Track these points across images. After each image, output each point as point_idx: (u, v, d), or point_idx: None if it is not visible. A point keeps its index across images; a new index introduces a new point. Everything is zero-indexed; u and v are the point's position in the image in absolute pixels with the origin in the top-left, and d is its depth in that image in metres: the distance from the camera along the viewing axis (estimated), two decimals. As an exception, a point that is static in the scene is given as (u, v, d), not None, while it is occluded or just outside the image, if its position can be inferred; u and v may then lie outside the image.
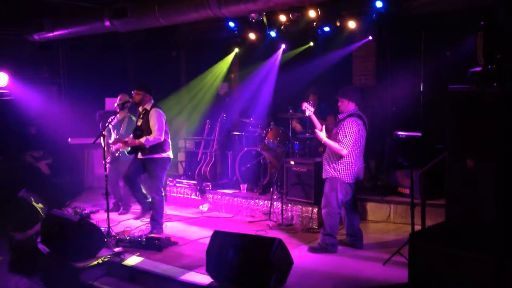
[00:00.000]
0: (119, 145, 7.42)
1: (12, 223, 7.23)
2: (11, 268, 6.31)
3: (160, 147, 6.51)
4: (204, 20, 7.55)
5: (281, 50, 9.35)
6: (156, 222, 6.64)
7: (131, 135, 6.60)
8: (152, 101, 6.66)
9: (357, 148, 5.58)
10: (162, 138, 6.47)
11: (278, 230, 6.73)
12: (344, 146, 5.47)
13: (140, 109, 6.66)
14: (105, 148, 6.63)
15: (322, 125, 5.68)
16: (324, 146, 5.75)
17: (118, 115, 7.46)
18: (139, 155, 6.58)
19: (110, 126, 7.46)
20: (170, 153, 6.69)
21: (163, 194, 6.74)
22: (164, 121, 6.52)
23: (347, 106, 5.65)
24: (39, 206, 7.36)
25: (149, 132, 6.44)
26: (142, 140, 6.38)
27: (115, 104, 7.50)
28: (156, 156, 6.53)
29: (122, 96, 7.59)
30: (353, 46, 8.41)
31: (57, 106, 10.27)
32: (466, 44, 6.31)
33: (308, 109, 5.77)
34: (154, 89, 6.84)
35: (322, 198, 5.77)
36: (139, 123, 6.58)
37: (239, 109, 10.38)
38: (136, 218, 7.39)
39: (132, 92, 6.64)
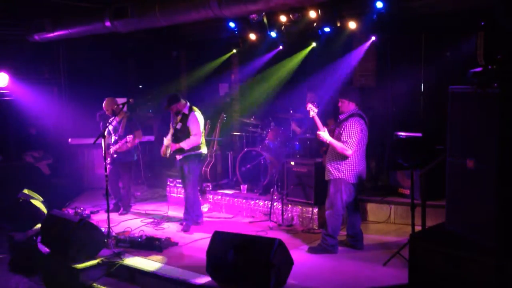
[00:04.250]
0: (117, 146, 7.44)
1: (12, 223, 7.24)
2: (12, 268, 6.32)
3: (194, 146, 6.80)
4: (205, 20, 7.53)
5: (280, 50, 9.35)
6: (188, 214, 6.87)
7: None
8: (188, 104, 6.86)
9: (360, 148, 5.58)
10: (200, 141, 6.80)
11: (278, 231, 6.72)
12: (349, 146, 5.46)
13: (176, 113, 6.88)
14: (105, 150, 6.65)
15: (324, 127, 5.67)
16: (326, 146, 5.74)
17: (117, 117, 7.49)
18: (178, 157, 6.86)
19: (110, 127, 7.49)
20: (203, 149, 6.95)
21: (198, 189, 7.08)
22: (201, 123, 6.80)
23: (348, 106, 5.65)
24: (39, 203, 7.36)
25: (188, 134, 6.71)
26: (182, 144, 6.70)
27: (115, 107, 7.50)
28: (191, 153, 6.78)
29: (107, 103, 7.55)
30: (359, 49, 8.35)
31: (57, 106, 10.28)
32: (467, 45, 6.31)
33: (312, 110, 5.75)
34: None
35: (326, 200, 5.75)
36: (178, 127, 6.80)
37: (239, 109, 10.40)
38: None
39: (169, 110, 6.85)
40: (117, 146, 7.46)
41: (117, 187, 7.90)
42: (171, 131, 6.90)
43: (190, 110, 6.80)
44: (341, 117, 5.69)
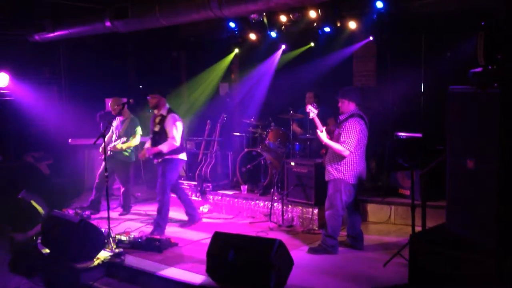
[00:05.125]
0: (113, 145, 7.43)
1: (13, 224, 7.23)
2: (12, 269, 6.31)
3: (172, 149, 6.62)
4: (205, 21, 7.54)
5: (280, 51, 9.36)
6: (157, 224, 6.61)
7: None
8: (167, 105, 6.72)
9: (360, 148, 5.57)
10: (178, 144, 6.58)
11: (278, 231, 6.72)
12: (346, 146, 5.45)
13: (156, 112, 6.71)
14: (105, 149, 6.65)
15: (323, 127, 5.67)
16: (326, 148, 5.74)
17: (120, 117, 7.49)
18: (155, 161, 6.70)
19: (112, 127, 7.51)
20: (182, 155, 6.77)
21: (169, 195, 6.69)
22: (180, 126, 6.60)
23: (348, 106, 5.64)
24: (39, 208, 7.34)
25: (166, 137, 6.54)
26: (161, 147, 6.51)
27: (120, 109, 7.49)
28: (168, 157, 6.61)
29: (113, 103, 7.54)
30: (354, 46, 8.42)
31: (58, 107, 10.28)
32: (467, 45, 6.31)
33: (312, 111, 5.75)
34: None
35: (326, 201, 5.75)
36: (156, 129, 6.65)
37: (239, 110, 10.39)
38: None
39: (148, 97, 6.68)
40: (111, 145, 7.45)
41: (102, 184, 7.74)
42: (150, 135, 6.77)
43: (169, 112, 6.62)
44: (341, 117, 5.68)
